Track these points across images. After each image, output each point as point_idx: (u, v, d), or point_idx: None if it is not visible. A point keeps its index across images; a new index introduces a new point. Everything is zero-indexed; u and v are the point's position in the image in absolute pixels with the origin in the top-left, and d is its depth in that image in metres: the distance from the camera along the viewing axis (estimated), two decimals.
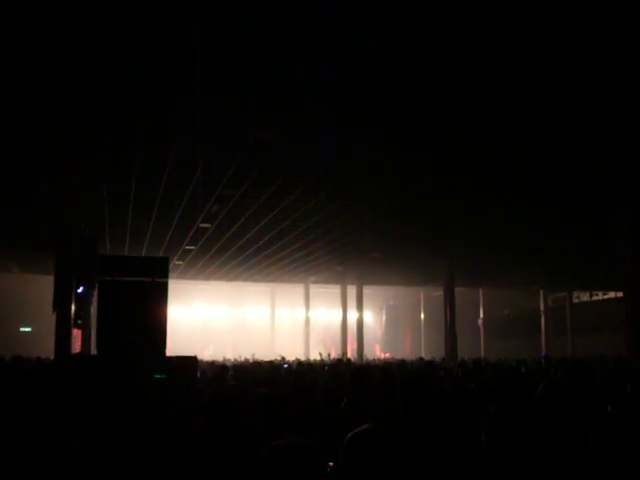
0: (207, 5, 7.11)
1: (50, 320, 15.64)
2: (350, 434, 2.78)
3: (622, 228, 15.61)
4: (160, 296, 10.51)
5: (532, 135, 11.47)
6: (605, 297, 36.42)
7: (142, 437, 4.88)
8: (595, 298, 37.40)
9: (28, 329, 34.23)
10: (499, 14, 7.48)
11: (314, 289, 38.19)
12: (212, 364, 15.80)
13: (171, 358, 10.52)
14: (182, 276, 30.31)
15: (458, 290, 32.01)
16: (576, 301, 38.83)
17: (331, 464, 3.64)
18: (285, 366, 16.44)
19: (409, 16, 7.54)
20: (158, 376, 8.78)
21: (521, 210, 16.94)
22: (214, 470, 4.09)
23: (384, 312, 47.96)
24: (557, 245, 21.61)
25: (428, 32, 7.92)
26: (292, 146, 11.92)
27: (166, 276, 10.74)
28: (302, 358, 25.71)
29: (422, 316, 44.92)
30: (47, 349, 17.33)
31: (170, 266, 19.61)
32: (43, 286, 20.62)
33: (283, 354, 23.01)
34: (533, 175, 13.77)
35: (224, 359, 21.17)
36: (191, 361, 10.33)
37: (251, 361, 18.80)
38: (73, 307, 13.25)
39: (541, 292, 39.37)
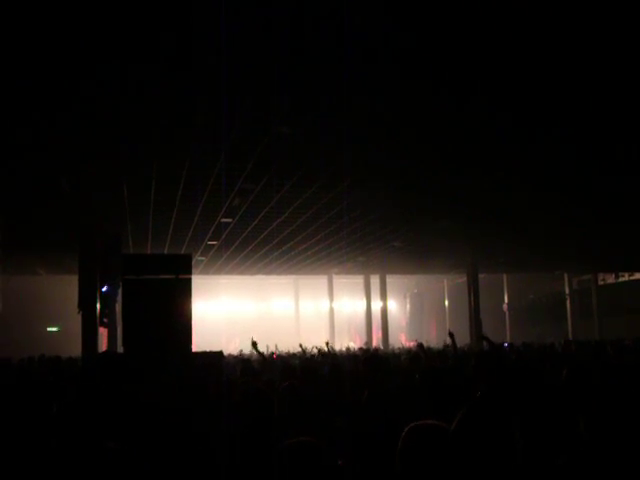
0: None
1: (77, 320, 15.80)
2: (408, 428, 2.79)
3: None
4: (184, 293, 10.58)
5: (555, 120, 11.39)
6: (632, 278, 36.11)
7: (171, 435, 4.92)
8: (621, 279, 37.05)
9: (55, 329, 34.54)
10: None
11: (337, 280, 38.24)
12: (237, 358, 15.88)
13: (197, 354, 10.60)
14: (205, 271, 30.41)
15: (482, 276, 31.94)
16: (601, 283, 38.50)
17: (340, 463, 3.65)
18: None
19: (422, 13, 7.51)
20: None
21: (543, 194, 16.82)
22: (242, 468, 4.11)
23: (408, 300, 47.90)
24: (581, 227, 21.46)
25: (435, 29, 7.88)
26: (312, 139, 11.90)
27: (189, 272, 10.81)
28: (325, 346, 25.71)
29: (446, 303, 44.83)
30: (75, 348, 17.52)
31: (193, 262, 19.75)
32: (69, 287, 20.79)
33: (308, 345, 23.03)
34: (554, 159, 13.68)
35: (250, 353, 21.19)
36: (216, 357, 10.41)
37: (275, 354, 18.78)
38: (98, 306, 13.36)
39: (565, 275, 39.11)
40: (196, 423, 5.16)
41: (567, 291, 39.35)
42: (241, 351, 22.52)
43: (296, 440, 2.64)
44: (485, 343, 11.30)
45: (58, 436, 3.60)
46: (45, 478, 3.47)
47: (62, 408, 3.72)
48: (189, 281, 10.70)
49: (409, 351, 17.66)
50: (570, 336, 34.31)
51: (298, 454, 2.60)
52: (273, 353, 19.65)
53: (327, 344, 17.16)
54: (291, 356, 18.55)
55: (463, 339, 29.36)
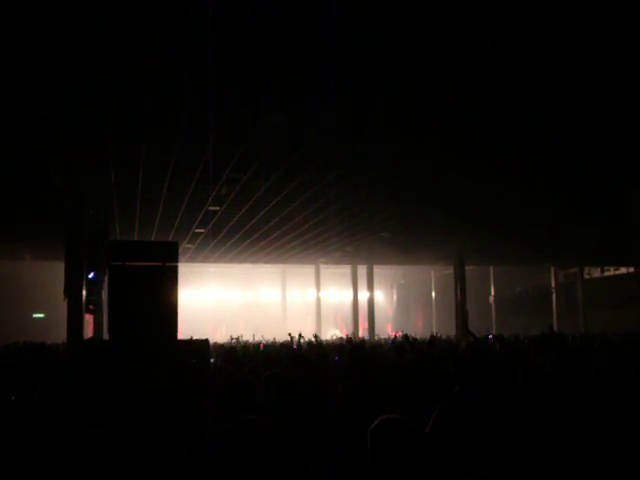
0: None
1: (63, 306, 15.75)
2: (373, 425, 2.82)
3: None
4: (170, 280, 10.60)
5: (547, 119, 11.43)
6: (617, 273, 36.34)
7: (156, 423, 4.92)
8: (607, 274, 37.27)
9: (41, 315, 34.47)
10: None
11: (325, 269, 38.30)
12: (223, 347, 15.88)
13: (183, 341, 10.61)
14: (192, 259, 30.37)
15: (469, 268, 32.05)
16: (587, 277, 38.72)
17: None
18: (295, 347, 16.42)
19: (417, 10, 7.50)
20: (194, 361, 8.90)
21: (530, 187, 16.87)
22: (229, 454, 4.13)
23: (395, 291, 48.04)
24: (567, 221, 21.56)
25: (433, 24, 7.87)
26: (300, 129, 11.88)
27: (176, 260, 10.83)
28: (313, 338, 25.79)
29: (433, 294, 45.00)
30: (61, 335, 17.48)
31: (180, 249, 19.68)
32: (55, 273, 20.73)
33: (294, 333, 23.02)
34: (543, 156, 13.73)
35: (234, 339, 21.17)
36: (203, 344, 10.43)
37: (261, 343, 18.79)
38: (84, 293, 13.34)
39: (552, 268, 39.31)
40: (180, 410, 5.17)
41: (553, 284, 39.54)
42: (234, 338, 22.46)
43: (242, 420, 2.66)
44: (471, 338, 11.34)
45: (39, 421, 3.60)
46: (27, 463, 3.47)
47: (43, 394, 3.72)
48: (175, 268, 10.72)
49: (394, 341, 17.66)
50: (555, 329, 34.41)
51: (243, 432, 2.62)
52: (260, 343, 19.64)
53: (315, 337, 17.19)
54: (278, 345, 18.49)
55: (450, 330, 29.54)
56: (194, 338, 10.91)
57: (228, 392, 4.38)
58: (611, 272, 36.82)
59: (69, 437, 3.10)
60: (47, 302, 30.13)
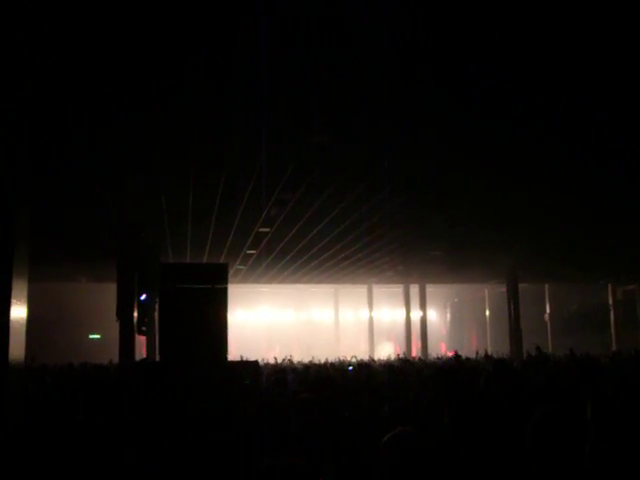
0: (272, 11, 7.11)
1: (117, 328, 15.98)
2: (386, 437, 2.79)
3: None
4: (220, 302, 10.66)
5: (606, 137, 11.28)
6: None
7: (202, 445, 4.93)
8: None
9: (97, 336, 34.96)
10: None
11: (377, 289, 38.20)
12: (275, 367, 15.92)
13: (232, 363, 10.66)
14: (245, 280, 30.52)
15: (524, 286, 31.62)
16: None
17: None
18: (350, 369, 16.44)
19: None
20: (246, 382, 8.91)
21: (586, 204, 16.62)
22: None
23: (448, 310, 47.65)
24: (625, 237, 21.16)
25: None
26: (350, 148, 11.89)
27: (226, 282, 10.88)
28: (366, 357, 25.77)
29: (487, 313, 44.48)
30: (114, 356, 17.72)
31: (232, 271, 19.79)
32: (110, 295, 21.08)
33: (348, 354, 23.01)
34: (598, 173, 13.55)
35: (287, 360, 21.22)
36: (252, 366, 10.46)
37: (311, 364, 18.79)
38: (136, 314, 13.51)
39: (609, 285, 38.56)
40: (227, 434, 5.17)
41: (611, 302, 38.76)
42: (278, 360, 22.56)
43: (280, 461, 2.63)
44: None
45: (82, 444, 3.64)
46: None
47: (87, 415, 3.75)
48: (225, 290, 10.78)
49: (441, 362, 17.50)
50: (614, 347, 33.81)
51: (281, 475, 2.59)
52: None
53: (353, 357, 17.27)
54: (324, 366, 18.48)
55: (505, 349, 29.16)
56: (244, 359, 10.94)
57: (267, 417, 4.36)
58: None
59: (109, 460, 3.13)
60: (102, 323, 30.56)
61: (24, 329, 5.01)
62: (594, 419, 3.75)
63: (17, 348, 4.80)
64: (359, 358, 21.57)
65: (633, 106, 10.23)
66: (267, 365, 18.37)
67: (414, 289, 36.01)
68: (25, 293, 5.07)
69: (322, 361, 21.65)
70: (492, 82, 9.17)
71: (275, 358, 22.03)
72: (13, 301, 4.79)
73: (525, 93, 9.59)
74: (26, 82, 5.33)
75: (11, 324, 4.73)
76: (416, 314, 36.07)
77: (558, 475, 2.83)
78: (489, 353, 24.53)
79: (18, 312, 4.89)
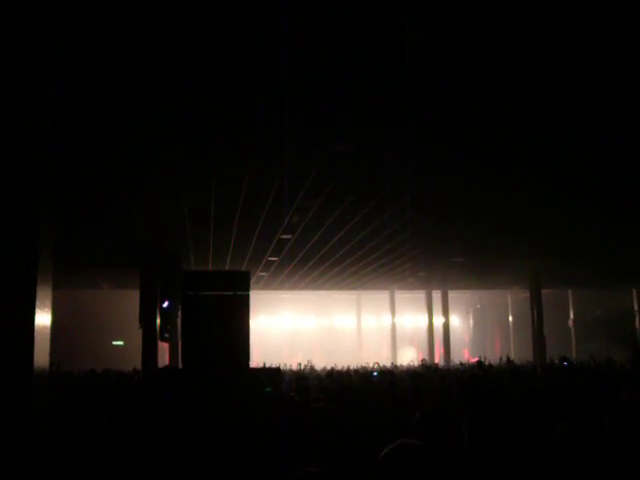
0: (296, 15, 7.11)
1: (140, 334, 16.05)
2: (385, 450, 2.79)
3: None
4: (242, 309, 10.70)
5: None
6: None
7: (222, 453, 4.94)
8: None
9: (120, 343, 35.15)
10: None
11: (399, 295, 38.11)
12: (297, 374, 15.93)
13: (254, 369, 10.69)
14: (267, 287, 30.56)
15: (547, 291, 31.41)
16: None
17: None
18: (374, 374, 16.45)
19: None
20: (267, 389, 8.92)
21: (610, 211, 16.52)
22: None
23: (471, 316, 47.43)
24: None
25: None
26: (371, 156, 11.89)
27: (247, 289, 10.93)
28: (388, 363, 25.73)
29: (510, 319, 44.22)
30: (137, 362, 17.81)
31: (254, 278, 19.82)
32: (133, 301, 21.22)
33: (370, 360, 22.98)
34: (619, 178, 13.46)
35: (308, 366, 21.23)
36: (274, 372, 10.48)
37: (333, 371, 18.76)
38: (158, 321, 13.59)
39: (634, 290, 38.22)
40: (248, 443, 5.17)
41: (636, 307, 38.39)
42: (307, 365, 22.55)
43: (302, 472, 2.62)
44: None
45: (104, 452, 3.66)
46: None
47: (111, 424, 3.78)
48: (247, 297, 10.82)
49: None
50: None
51: None
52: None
53: (376, 364, 17.28)
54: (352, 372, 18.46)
55: (528, 355, 28.97)
56: (266, 365, 10.96)
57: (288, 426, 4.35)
58: None
59: (132, 467, 3.14)
60: (126, 330, 30.76)
61: (48, 336, 5.05)
62: (615, 431, 3.72)
63: (42, 355, 4.84)
64: (382, 364, 21.50)
65: None
66: (289, 372, 18.37)
67: (436, 295, 35.92)
68: (49, 300, 5.11)
69: (344, 367, 21.60)
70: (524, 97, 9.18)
71: (298, 364, 22.05)
72: (37, 308, 4.83)
73: (542, 98, 9.58)
74: (51, 85, 5.38)
75: (36, 331, 4.77)
76: (439, 320, 35.96)
77: None
78: (512, 359, 24.40)
79: (42, 319, 4.93)
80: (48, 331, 5.06)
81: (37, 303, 4.82)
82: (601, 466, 2.89)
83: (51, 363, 5.11)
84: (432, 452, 2.84)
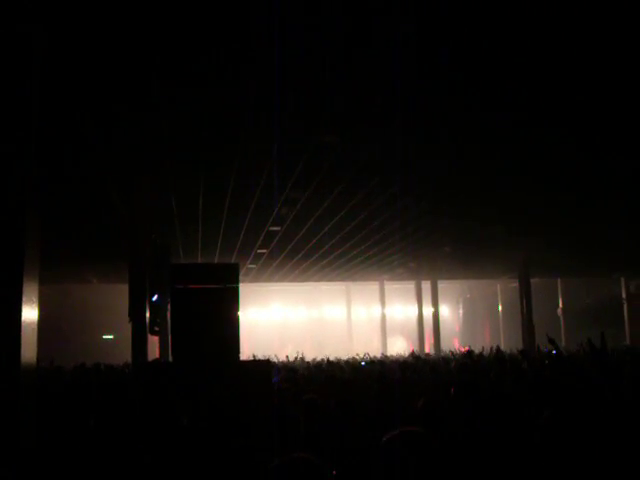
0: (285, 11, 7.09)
1: (129, 328, 16.00)
2: (385, 437, 2.78)
3: None
4: (231, 301, 10.60)
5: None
6: None
7: (214, 445, 4.94)
8: None
9: (110, 337, 35.09)
10: None
11: (389, 285, 38.16)
12: (287, 365, 15.93)
13: (244, 362, 10.66)
14: (256, 279, 30.56)
15: (536, 280, 31.52)
16: None
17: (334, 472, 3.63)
18: (362, 364, 16.45)
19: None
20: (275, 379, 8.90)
21: (597, 200, 16.56)
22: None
23: (461, 305, 47.58)
24: (637, 229, 21.04)
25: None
26: (359, 147, 11.88)
27: (237, 282, 10.84)
28: (379, 354, 25.76)
29: (500, 308, 44.38)
30: (127, 356, 17.76)
31: (243, 270, 19.79)
32: (122, 295, 21.16)
33: (360, 351, 22.97)
34: (606, 167, 13.50)
35: (299, 358, 21.21)
36: (264, 365, 10.45)
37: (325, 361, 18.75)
38: (148, 315, 13.54)
39: (622, 279, 38.38)
40: (240, 435, 5.17)
41: (624, 295, 38.57)
42: (290, 358, 22.54)
43: (287, 457, 2.62)
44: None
45: (93, 448, 3.65)
46: None
47: (99, 419, 3.76)
48: (236, 290, 10.75)
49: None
50: (627, 342, 33.66)
51: (290, 472, 2.57)
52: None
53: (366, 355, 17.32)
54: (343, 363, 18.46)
55: (518, 344, 29.07)
56: (257, 357, 10.95)
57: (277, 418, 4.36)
58: None
59: (123, 462, 3.13)
60: (115, 324, 30.68)
61: (36, 332, 5.02)
62: (604, 417, 3.73)
63: (29, 350, 4.81)
64: (372, 355, 21.52)
65: None
66: (279, 363, 18.37)
67: (426, 285, 35.98)
68: (36, 295, 5.08)
69: (334, 358, 21.60)
70: (511, 87, 9.17)
71: (287, 357, 22.05)
72: (24, 304, 4.80)
73: (533, 88, 9.58)
74: (34, 81, 5.34)
75: (23, 326, 4.74)
76: (428, 310, 36.04)
77: (567, 474, 2.82)
78: (501, 348, 24.41)
79: (29, 314, 4.91)
80: (35, 326, 5.03)
81: (24, 298, 4.79)
82: (588, 451, 2.89)
83: (44, 359, 5.09)
84: (434, 438, 2.84)
